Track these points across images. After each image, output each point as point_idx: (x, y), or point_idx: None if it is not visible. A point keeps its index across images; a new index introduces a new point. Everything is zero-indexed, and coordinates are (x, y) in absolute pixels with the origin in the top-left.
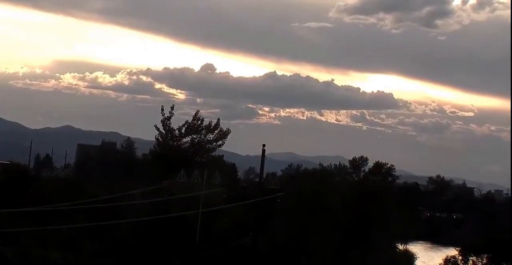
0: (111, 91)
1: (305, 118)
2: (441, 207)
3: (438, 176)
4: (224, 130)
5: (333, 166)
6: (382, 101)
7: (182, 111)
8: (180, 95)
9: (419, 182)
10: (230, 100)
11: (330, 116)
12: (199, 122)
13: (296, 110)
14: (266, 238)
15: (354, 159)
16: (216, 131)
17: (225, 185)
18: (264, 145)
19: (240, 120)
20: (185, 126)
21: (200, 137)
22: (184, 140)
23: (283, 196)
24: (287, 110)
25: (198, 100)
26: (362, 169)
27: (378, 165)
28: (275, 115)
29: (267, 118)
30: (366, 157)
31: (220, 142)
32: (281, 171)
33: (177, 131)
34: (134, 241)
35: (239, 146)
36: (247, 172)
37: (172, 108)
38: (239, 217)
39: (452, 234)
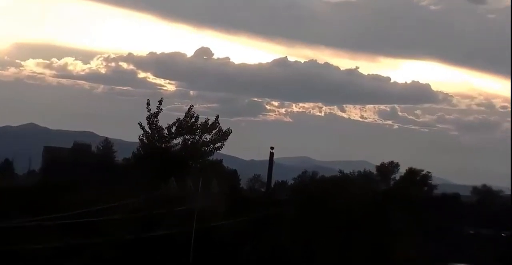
0: (84, 81)
1: (323, 114)
2: (487, 222)
3: (484, 186)
4: (224, 130)
5: (356, 173)
6: (418, 94)
7: (172, 106)
8: (169, 86)
9: (461, 192)
10: (231, 92)
11: (353, 112)
12: (193, 119)
13: (312, 104)
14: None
15: (382, 164)
16: (214, 131)
17: (225, 195)
18: (272, 148)
19: (243, 117)
20: (176, 124)
21: (194, 138)
22: (175, 141)
23: (290, 203)
24: (301, 104)
25: (191, 92)
26: (392, 176)
27: (412, 172)
28: (286, 111)
29: (276, 114)
30: (397, 163)
31: (219, 144)
32: (293, 180)
33: (166, 131)
34: (115, 262)
35: (241, 149)
36: (251, 180)
37: (159, 102)
38: (239, 230)
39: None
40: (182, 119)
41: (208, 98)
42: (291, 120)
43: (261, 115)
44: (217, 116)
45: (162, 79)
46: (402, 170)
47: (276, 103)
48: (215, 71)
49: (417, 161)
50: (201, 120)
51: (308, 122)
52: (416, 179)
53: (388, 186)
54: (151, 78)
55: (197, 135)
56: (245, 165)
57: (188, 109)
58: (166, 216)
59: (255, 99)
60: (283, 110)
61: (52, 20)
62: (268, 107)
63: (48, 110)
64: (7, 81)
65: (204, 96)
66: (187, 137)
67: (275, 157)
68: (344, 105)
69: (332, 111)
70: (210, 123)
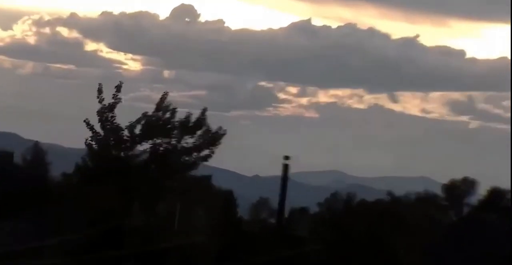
0: (3, 56)
1: (364, 106)
2: None
3: None
4: (214, 131)
5: (413, 195)
6: (507, 76)
7: (137, 94)
8: (132, 64)
9: None
10: (226, 73)
11: (410, 103)
12: (168, 115)
13: (349, 92)
14: None
15: (451, 182)
16: (199, 132)
17: (215, 229)
18: (287, 158)
19: (244, 111)
20: (142, 122)
21: (169, 143)
22: (140, 148)
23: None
24: (332, 92)
25: (166, 73)
26: (466, 200)
27: (496, 194)
28: (309, 101)
29: (293, 107)
30: (474, 179)
31: (207, 152)
32: (319, 206)
33: (126, 132)
34: None
35: (241, 159)
36: (255, 206)
37: (117, 88)
38: None
39: None
40: (151, 113)
41: (191, 82)
42: (316, 115)
43: (271, 108)
44: (205, 110)
45: (121, 53)
46: (482, 190)
47: (294, 90)
48: (202, 40)
49: (504, 178)
50: (180, 115)
51: (342, 119)
52: (503, 204)
53: (461, 214)
54: (104, 51)
55: (174, 138)
56: (247, 183)
57: (161, 98)
58: (123, 261)
59: (263, 83)
60: (304, 100)
61: None
62: (282, 95)
63: None
64: None
65: (186, 79)
66: (158, 142)
67: (292, 171)
68: (397, 93)
69: (378, 102)
70: (193, 120)
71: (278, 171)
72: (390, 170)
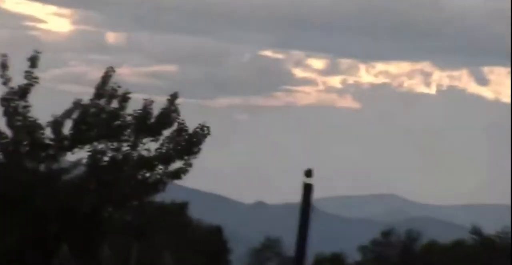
0: None
1: (432, 90)
2: None
3: None
4: (193, 130)
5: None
6: None
7: (64, 71)
8: (56, 21)
9: None
10: (208, 36)
11: (506, 85)
12: (116, 104)
13: (407, 66)
14: None
15: None
16: (165, 133)
17: None
18: (309, 174)
19: (237, 97)
20: (74, 116)
21: (118, 150)
22: (72, 157)
23: None
24: (381, 66)
25: (110, 36)
26: None
27: None
28: (344, 82)
29: (318, 91)
30: None
31: (180, 164)
32: (361, 251)
33: (49, 132)
34: None
35: (233, 177)
36: (258, 252)
37: (32, 61)
38: None
39: None
40: (88, 102)
41: (153, 52)
42: (356, 104)
43: (280, 93)
44: (175, 96)
45: (38, 4)
46: None
47: (319, 63)
48: None
49: None
50: (136, 105)
51: (396, 111)
52: None
53: None
54: (11, 1)
55: (126, 141)
56: (246, 215)
57: (103, 78)
58: None
59: (267, 52)
60: (336, 81)
61: None
62: (299, 72)
63: None
64: None
65: (144, 46)
66: (100, 148)
67: (318, 196)
68: (486, 68)
69: (454, 83)
70: (157, 113)
71: (293, 197)
72: (469, 194)
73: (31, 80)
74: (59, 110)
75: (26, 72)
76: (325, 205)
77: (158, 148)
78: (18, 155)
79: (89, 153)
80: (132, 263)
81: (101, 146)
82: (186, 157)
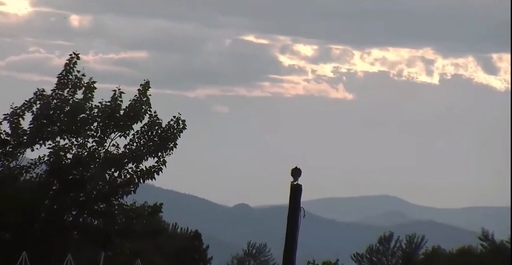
0: None
1: (434, 79)
2: None
3: None
4: (166, 124)
5: None
6: None
7: (22, 58)
8: (13, 2)
9: None
10: (182, 19)
11: None
12: (81, 94)
13: (406, 51)
14: None
15: None
16: (136, 127)
17: None
18: (296, 172)
19: (216, 87)
20: (35, 108)
21: (84, 146)
22: (31, 155)
23: None
24: (377, 52)
25: (74, 20)
26: None
27: None
28: (336, 70)
29: (307, 80)
30: None
31: (153, 162)
32: (356, 260)
33: (6, 126)
34: None
35: (216, 177)
36: (241, 260)
37: None
38: None
39: None
40: (50, 93)
41: (122, 36)
42: (349, 95)
43: (266, 83)
44: (147, 86)
45: None
46: None
47: (308, 50)
48: None
49: None
50: (103, 95)
51: (396, 103)
52: None
53: None
54: None
55: (93, 137)
56: (227, 219)
57: (67, 65)
58: None
59: (250, 37)
60: (327, 69)
61: None
62: (286, 59)
63: None
64: None
65: (112, 29)
66: (64, 144)
67: (308, 198)
68: (501, 55)
69: (458, 71)
70: (127, 104)
71: (281, 198)
72: (474, 196)
73: None
74: (18, 102)
75: None
76: (315, 208)
77: (128, 144)
78: None
79: (51, 150)
80: None
81: (64, 142)
82: (159, 154)
